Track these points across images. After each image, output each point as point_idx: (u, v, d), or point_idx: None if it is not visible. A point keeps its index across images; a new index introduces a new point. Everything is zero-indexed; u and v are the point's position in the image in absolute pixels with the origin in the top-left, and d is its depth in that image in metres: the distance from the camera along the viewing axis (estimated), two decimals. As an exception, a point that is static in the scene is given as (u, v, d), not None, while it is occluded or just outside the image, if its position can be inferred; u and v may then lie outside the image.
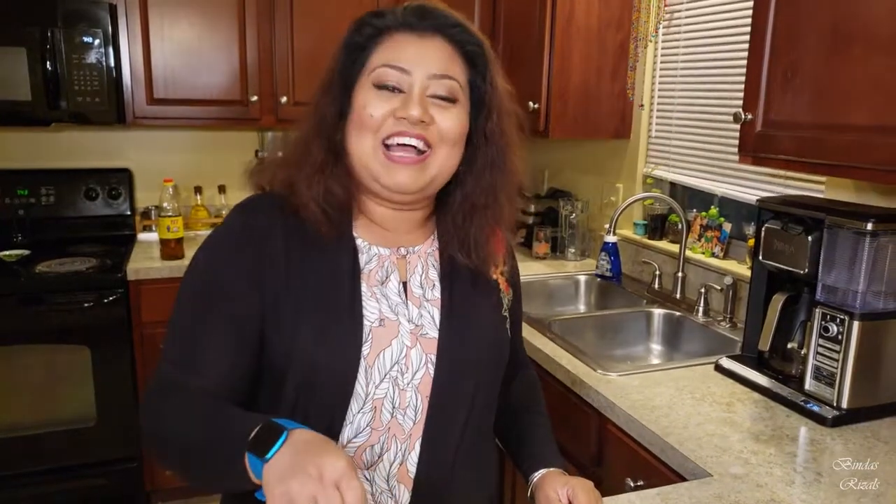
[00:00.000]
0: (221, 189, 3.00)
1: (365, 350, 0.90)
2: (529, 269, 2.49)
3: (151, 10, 2.54)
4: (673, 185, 2.35)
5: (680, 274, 2.13)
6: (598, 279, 2.37)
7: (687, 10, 2.19)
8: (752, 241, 1.85)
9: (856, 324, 1.32)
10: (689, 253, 2.15)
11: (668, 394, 1.46)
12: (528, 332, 1.81)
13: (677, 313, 2.03)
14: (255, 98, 2.71)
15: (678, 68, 2.25)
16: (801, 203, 1.46)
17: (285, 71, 2.72)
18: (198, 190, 2.96)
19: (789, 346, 1.49)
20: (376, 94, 0.90)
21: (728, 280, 1.94)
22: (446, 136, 0.91)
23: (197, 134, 3.01)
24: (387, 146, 0.90)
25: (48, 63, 2.38)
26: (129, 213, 2.88)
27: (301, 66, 2.71)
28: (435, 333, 0.94)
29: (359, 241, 0.96)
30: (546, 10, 2.32)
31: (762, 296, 1.57)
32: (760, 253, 1.53)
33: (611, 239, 2.28)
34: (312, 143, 0.93)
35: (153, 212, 2.86)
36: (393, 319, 0.93)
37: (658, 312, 2.06)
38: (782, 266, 1.47)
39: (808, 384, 1.40)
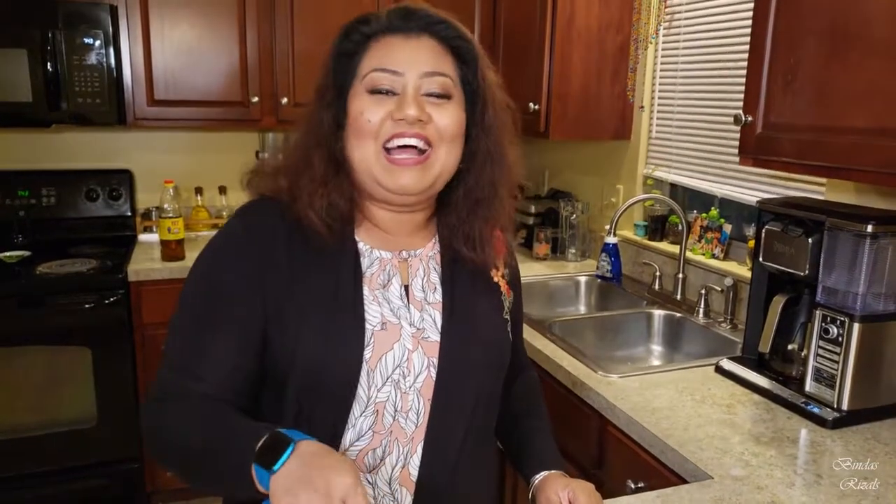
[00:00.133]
0: (222, 190, 3.00)
1: (367, 353, 0.90)
2: (530, 270, 2.50)
3: (152, 11, 2.54)
4: (673, 186, 2.35)
5: (680, 275, 2.13)
6: (599, 280, 2.37)
7: (687, 11, 2.19)
8: (752, 243, 1.85)
9: (856, 326, 1.32)
10: (689, 254, 2.16)
11: (669, 395, 1.46)
12: (528, 334, 1.81)
13: (678, 314, 2.03)
14: (255, 99, 2.71)
15: (678, 70, 2.25)
16: (802, 205, 1.47)
17: (286, 72, 2.72)
18: (198, 191, 2.96)
19: (790, 347, 1.49)
20: (371, 99, 0.91)
21: (728, 281, 1.95)
22: (445, 133, 0.92)
23: (197, 135, 3.01)
24: (388, 150, 0.90)
25: (49, 64, 2.38)
26: (129, 214, 2.88)
27: (302, 66, 2.71)
28: (437, 337, 0.95)
29: (361, 245, 0.96)
30: (546, 12, 2.33)
31: (762, 297, 1.57)
32: (761, 255, 1.53)
33: (611, 240, 2.28)
34: (312, 155, 0.93)
35: (154, 213, 2.86)
36: (395, 323, 0.93)
37: (658, 314, 2.06)
38: (782, 268, 1.48)
39: (809, 386, 1.41)
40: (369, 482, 0.92)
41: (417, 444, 0.93)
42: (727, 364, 1.59)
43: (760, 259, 1.54)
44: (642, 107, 2.40)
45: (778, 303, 1.48)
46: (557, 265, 2.63)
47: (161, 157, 2.97)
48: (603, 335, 2.01)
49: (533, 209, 2.83)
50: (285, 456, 0.70)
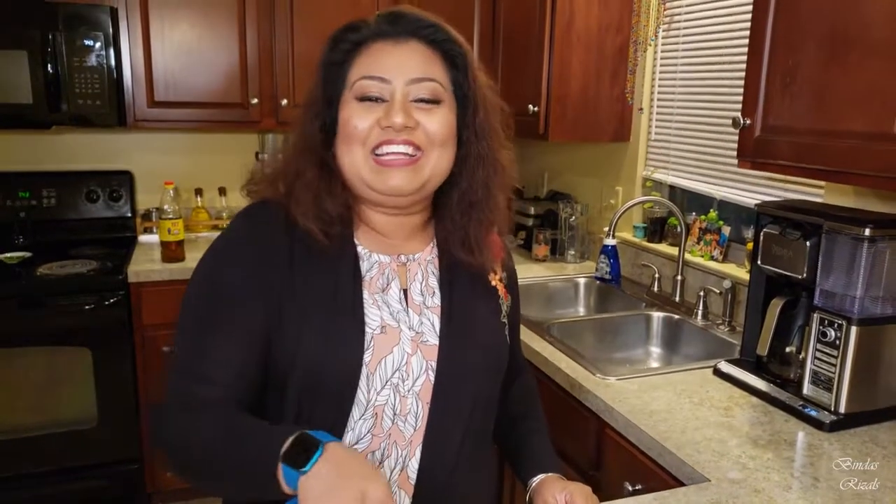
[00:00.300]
0: (222, 191, 3.00)
1: (367, 357, 0.90)
2: (529, 272, 2.50)
3: (152, 12, 2.55)
4: (672, 188, 2.35)
5: (679, 277, 2.14)
6: (598, 282, 2.37)
7: (686, 14, 2.20)
8: (750, 245, 1.86)
9: (853, 329, 1.32)
10: (688, 256, 2.16)
11: (667, 398, 1.46)
12: (526, 336, 1.81)
13: (676, 316, 2.04)
14: (255, 100, 2.71)
15: (677, 72, 2.26)
16: (800, 208, 1.47)
17: (286, 73, 2.73)
18: (198, 192, 2.97)
19: (787, 350, 1.50)
20: (359, 106, 0.91)
21: (727, 283, 1.95)
22: (434, 138, 0.92)
23: (197, 136, 3.01)
24: (377, 155, 0.91)
25: (49, 66, 2.38)
26: (129, 215, 2.88)
27: (302, 68, 2.72)
28: (435, 340, 0.95)
29: (360, 249, 0.96)
30: (546, 14, 2.33)
31: (761, 300, 1.58)
32: (759, 258, 1.54)
33: (610, 242, 2.28)
34: (304, 162, 0.94)
35: (154, 214, 2.87)
36: (394, 327, 0.93)
37: (657, 315, 2.06)
38: (781, 271, 1.48)
39: (806, 389, 1.41)
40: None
41: (416, 447, 0.93)
42: (725, 366, 1.59)
43: (759, 262, 1.54)
44: (641, 109, 2.40)
45: (776, 305, 1.49)
46: (556, 267, 2.63)
47: (161, 159, 2.97)
48: (602, 337, 2.02)
49: (532, 211, 2.84)
50: (316, 457, 0.71)
